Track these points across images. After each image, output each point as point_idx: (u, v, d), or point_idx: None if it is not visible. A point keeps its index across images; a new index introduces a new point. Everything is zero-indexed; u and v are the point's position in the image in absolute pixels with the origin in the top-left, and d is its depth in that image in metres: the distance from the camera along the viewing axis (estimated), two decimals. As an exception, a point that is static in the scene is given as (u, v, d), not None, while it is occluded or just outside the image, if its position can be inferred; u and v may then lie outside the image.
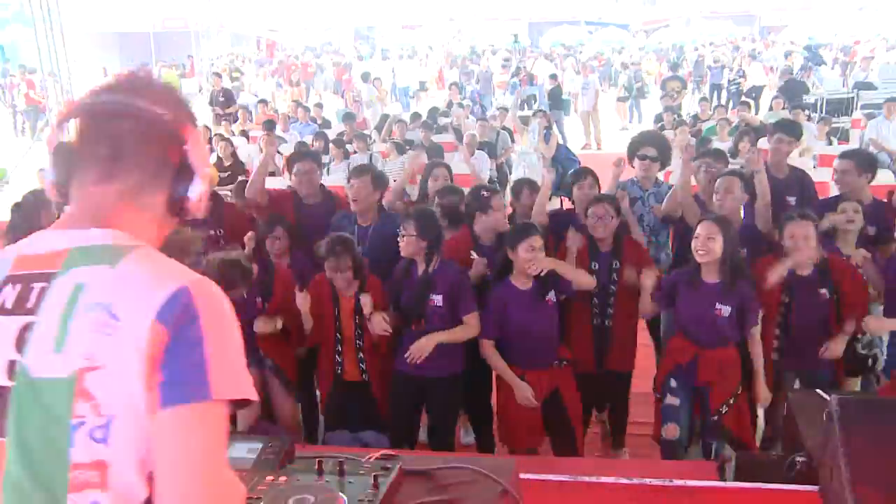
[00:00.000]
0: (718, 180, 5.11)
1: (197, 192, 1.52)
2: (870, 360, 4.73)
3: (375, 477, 2.08)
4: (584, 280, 4.58)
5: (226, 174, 10.27)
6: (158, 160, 1.48)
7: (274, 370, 4.82)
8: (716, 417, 4.43)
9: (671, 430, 4.44)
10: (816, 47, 26.62)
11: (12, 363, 1.34)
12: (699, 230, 4.39)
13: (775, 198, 5.17)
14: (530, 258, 4.33)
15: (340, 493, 2.00)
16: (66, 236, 1.42)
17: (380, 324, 4.38)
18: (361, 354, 4.61)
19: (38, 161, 11.10)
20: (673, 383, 4.49)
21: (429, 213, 4.66)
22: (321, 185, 5.89)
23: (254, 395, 1.40)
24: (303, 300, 4.55)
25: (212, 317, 1.36)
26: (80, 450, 1.30)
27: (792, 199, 5.59)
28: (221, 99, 17.22)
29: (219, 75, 19.93)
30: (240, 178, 9.08)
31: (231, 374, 1.36)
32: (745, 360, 4.49)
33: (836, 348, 4.48)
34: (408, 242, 4.43)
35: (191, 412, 1.31)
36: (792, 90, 15.21)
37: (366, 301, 4.44)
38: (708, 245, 4.32)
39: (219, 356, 1.34)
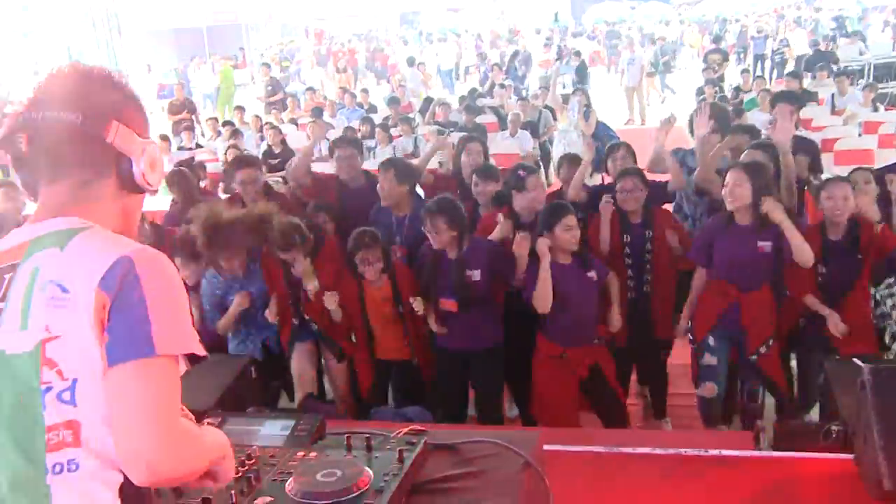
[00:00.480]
0: (728, 172, 4.80)
1: (139, 171, 1.59)
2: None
3: (401, 452, 2.10)
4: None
5: (276, 161, 10.36)
6: (90, 157, 1.57)
7: (327, 342, 4.92)
8: (753, 357, 4.43)
9: (709, 389, 4.46)
10: (864, 11, 25.90)
11: None
12: (727, 178, 4.40)
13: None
14: (568, 237, 4.33)
15: (367, 468, 2.03)
16: (29, 229, 1.55)
17: (418, 306, 4.52)
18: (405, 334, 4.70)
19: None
20: (711, 341, 4.47)
21: (451, 202, 4.61)
22: (364, 169, 5.91)
23: (200, 350, 1.50)
24: (330, 299, 4.63)
25: (154, 280, 1.46)
26: (51, 412, 1.42)
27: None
28: (269, 88, 17.38)
29: (268, 66, 20.06)
30: (288, 164, 9.17)
31: (174, 331, 1.46)
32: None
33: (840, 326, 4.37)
34: (441, 237, 4.45)
35: (137, 367, 1.41)
36: (818, 60, 14.64)
37: (417, 305, 4.56)
38: (735, 192, 4.33)
39: (161, 315, 1.44)
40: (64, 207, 1.55)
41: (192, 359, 1.47)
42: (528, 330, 4.58)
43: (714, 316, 4.52)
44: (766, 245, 4.34)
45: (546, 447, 3.43)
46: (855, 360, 3.70)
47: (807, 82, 12.27)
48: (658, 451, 3.43)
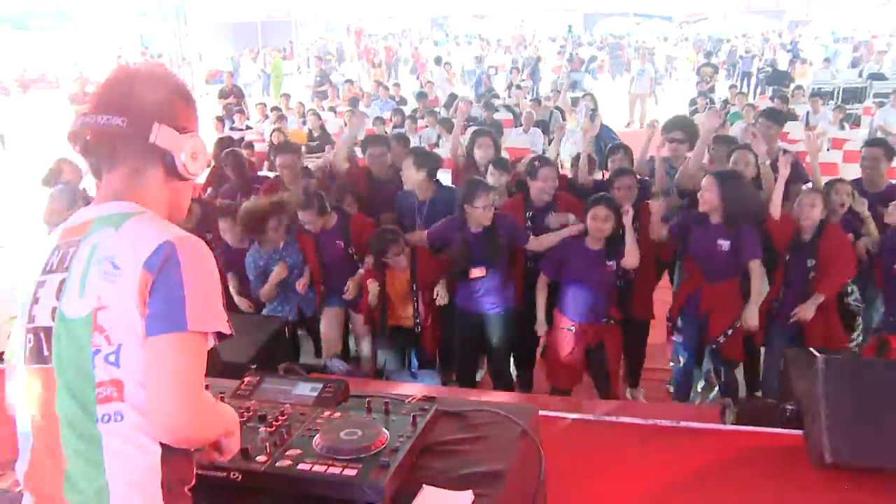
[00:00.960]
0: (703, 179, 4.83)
1: (182, 159, 1.63)
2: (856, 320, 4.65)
3: (414, 417, 2.11)
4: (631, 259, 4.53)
5: (315, 143, 10.36)
6: (137, 152, 1.61)
7: (354, 307, 4.98)
8: (714, 346, 4.52)
9: (678, 361, 4.65)
10: (836, 40, 25.81)
11: (54, 309, 1.53)
12: (702, 183, 4.47)
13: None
14: (595, 226, 4.37)
15: (384, 429, 2.03)
16: (93, 210, 1.62)
17: (443, 298, 4.63)
18: (418, 309, 4.73)
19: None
20: (680, 322, 4.60)
21: (482, 182, 4.67)
22: (391, 164, 5.89)
23: (227, 330, 1.54)
24: (373, 287, 4.70)
25: (192, 265, 1.50)
26: (100, 371, 1.48)
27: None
28: (318, 79, 17.33)
29: (320, 58, 19.97)
30: (326, 147, 9.18)
31: (206, 311, 1.51)
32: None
33: (804, 313, 4.35)
34: (487, 213, 4.45)
35: (170, 340, 1.46)
36: (776, 79, 15.50)
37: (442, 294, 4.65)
38: (705, 196, 4.40)
39: (196, 296, 1.49)
40: (120, 193, 1.61)
41: (220, 336, 1.49)
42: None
43: (682, 299, 4.62)
44: (725, 244, 4.39)
45: (542, 413, 3.49)
46: (812, 350, 3.73)
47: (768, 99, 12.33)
48: (638, 420, 3.45)
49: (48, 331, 1.53)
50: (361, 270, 4.84)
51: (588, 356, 4.53)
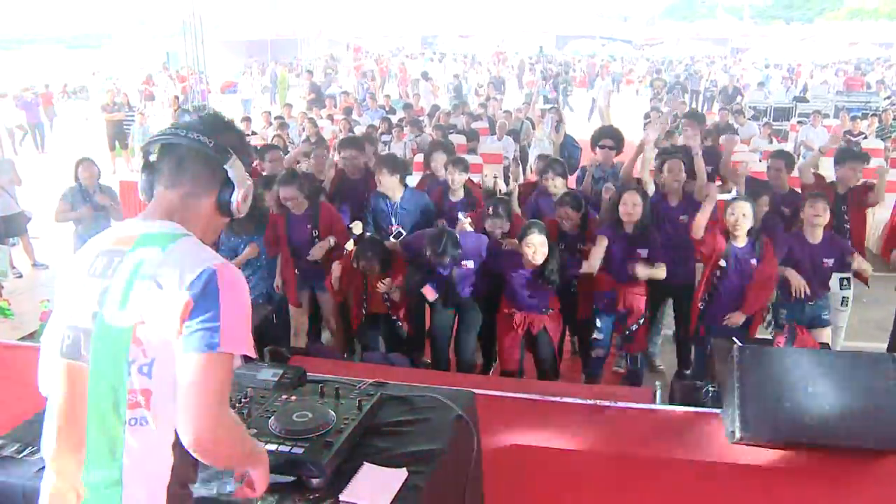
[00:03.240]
0: (666, 162, 4.99)
1: (236, 198, 1.62)
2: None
3: (360, 400, 2.08)
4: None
5: (310, 149, 10.25)
6: (206, 174, 1.60)
7: (323, 288, 4.98)
8: (628, 332, 4.61)
9: (599, 352, 4.67)
10: (767, 66, 26.76)
11: (95, 313, 1.49)
12: (623, 197, 4.46)
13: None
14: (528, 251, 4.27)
15: (331, 411, 2.00)
16: (141, 224, 1.57)
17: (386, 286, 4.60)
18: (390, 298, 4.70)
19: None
20: (598, 322, 4.62)
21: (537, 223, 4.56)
22: (364, 164, 5.85)
23: (252, 353, 1.52)
24: (336, 267, 4.73)
25: (229, 293, 1.47)
26: (133, 379, 1.46)
27: (709, 168, 5.54)
28: (309, 90, 17.23)
29: (310, 72, 19.81)
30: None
31: (238, 335, 1.48)
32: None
33: (735, 321, 4.33)
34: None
35: (203, 358, 1.43)
36: (729, 96, 16.38)
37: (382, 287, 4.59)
38: (628, 209, 4.42)
39: (229, 321, 1.46)
40: (171, 212, 1.58)
41: (246, 358, 1.50)
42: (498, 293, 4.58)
43: (600, 295, 4.62)
44: (643, 252, 4.43)
45: (488, 392, 3.46)
46: (734, 339, 3.72)
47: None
48: (578, 401, 3.43)
49: (87, 332, 1.49)
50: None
51: (530, 340, 4.51)
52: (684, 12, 48.14)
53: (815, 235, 4.45)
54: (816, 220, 4.40)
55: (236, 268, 1.55)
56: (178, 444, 1.48)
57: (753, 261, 4.33)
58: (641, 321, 4.61)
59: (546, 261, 4.26)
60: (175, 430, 1.47)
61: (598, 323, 4.63)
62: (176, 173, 1.59)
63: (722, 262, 4.37)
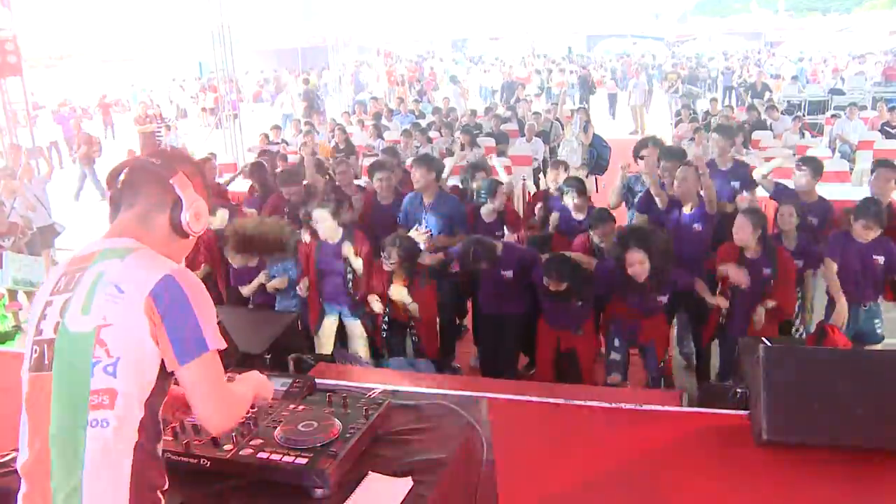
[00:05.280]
0: (678, 171, 4.88)
1: (186, 217, 1.68)
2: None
3: (367, 409, 2.05)
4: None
5: (340, 154, 10.29)
6: (157, 192, 1.67)
7: (350, 315, 4.90)
8: (661, 364, 4.48)
9: (614, 378, 4.43)
10: (801, 59, 26.24)
11: (58, 323, 1.56)
12: (630, 258, 4.10)
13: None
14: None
15: (337, 421, 1.98)
16: (102, 242, 1.66)
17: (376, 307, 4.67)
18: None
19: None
20: (616, 342, 4.46)
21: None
22: (395, 186, 5.71)
23: (223, 345, 1.61)
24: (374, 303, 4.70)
25: (194, 293, 1.57)
26: (97, 380, 1.50)
27: (735, 184, 5.35)
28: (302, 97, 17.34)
29: (306, 79, 20.08)
30: (350, 158, 9.12)
31: (215, 331, 1.59)
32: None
33: (758, 320, 4.22)
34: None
35: (199, 363, 1.55)
36: (758, 92, 15.93)
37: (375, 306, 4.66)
38: (635, 269, 4.09)
39: (205, 320, 1.57)
40: (127, 231, 1.65)
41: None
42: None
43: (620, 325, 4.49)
44: (663, 298, 4.30)
45: (513, 397, 3.41)
46: (763, 339, 3.60)
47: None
48: (603, 404, 3.35)
49: (51, 342, 1.55)
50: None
51: (560, 359, 4.52)
52: (717, 7, 47.29)
53: (865, 237, 4.30)
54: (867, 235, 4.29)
55: (187, 269, 1.63)
56: (141, 446, 1.54)
57: (767, 270, 4.24)
58: (667, 357, 4.50)
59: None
60: (139, 431, 1.54)
61: (616, 342, 4.47)
62: (130, 194, 1.68)
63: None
